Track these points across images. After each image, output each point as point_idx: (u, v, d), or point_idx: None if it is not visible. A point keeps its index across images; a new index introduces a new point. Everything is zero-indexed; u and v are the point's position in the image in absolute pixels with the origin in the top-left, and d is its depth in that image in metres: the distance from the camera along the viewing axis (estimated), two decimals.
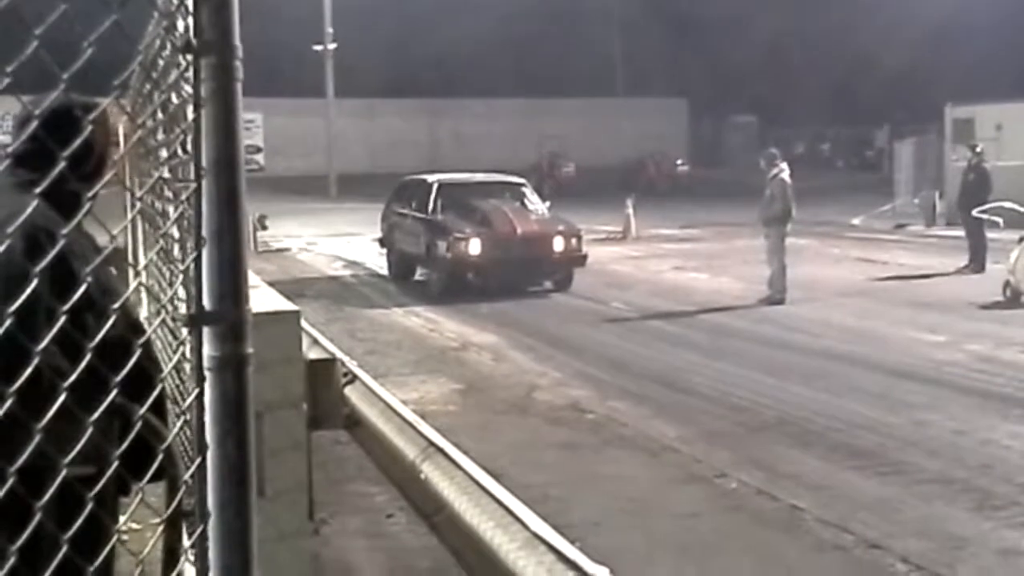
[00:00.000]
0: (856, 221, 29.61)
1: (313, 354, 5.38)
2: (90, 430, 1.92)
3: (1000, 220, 18.54)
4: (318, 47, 46.38)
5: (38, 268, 2.02)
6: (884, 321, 14.12)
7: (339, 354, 6.17)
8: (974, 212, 18.73)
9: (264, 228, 24.19)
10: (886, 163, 41.54)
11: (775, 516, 7.03)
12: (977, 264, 18.56)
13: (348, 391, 5.69)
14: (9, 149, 3.03)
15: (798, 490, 7.43)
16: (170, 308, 3.15)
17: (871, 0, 50.25)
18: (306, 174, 47.15)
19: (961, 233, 19.94)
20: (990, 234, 18.87)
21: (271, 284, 5.65)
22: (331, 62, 46.30)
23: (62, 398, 1.87)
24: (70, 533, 1.91)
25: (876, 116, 52.38)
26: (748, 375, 11.05)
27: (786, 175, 15.99)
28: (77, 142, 2.18)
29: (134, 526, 3.13)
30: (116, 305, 2.26)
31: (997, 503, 7.19)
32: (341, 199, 41.34)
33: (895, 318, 14.33)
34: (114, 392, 1.97)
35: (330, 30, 45.88)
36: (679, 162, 50.19)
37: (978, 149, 19.86)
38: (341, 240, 26.38)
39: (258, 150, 48.30)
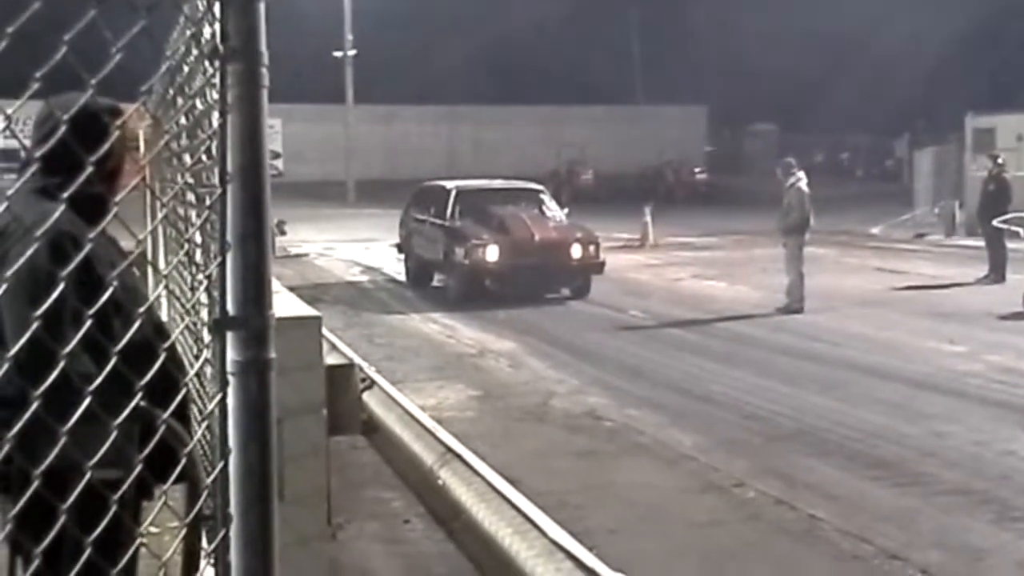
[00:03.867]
0: (875, 230, 29.49)
1: (331, 359, 5.40)
2: (114, 434, 1.93)
3: (1020, 230, 18.44)
4: (338, 53, 46.54)
5: (64, 273, 2.03)
6: (903, 331, 14.05)
7: (357, 360, 6.19)
8: (994, 222, 18.64)
9: (282, 233, 24.23)
10: (906, 172, 41.40)
11: (793, 526, 7.00)
12: (997, 274, 18.47)
13: (366, 397, 5.71)
14: (28, 154, 3.02)
15: (816, 500, 7.40)
16: (192, 312, 3.17)
17: (892, 9, 50.11)
18: (324, 180, 47.31)
19: (981, 243, 19.84)
20: (1010, 244, 18.78)
21: (289, 289, 5.67)
22: (351, 68, 46.43)
23: (87, 402, 1.88)
24: (93, 536, 1.92)
25: (896, 125, 52.20)
26: (766, 384, 11.01)
27: (803, 184, 15.94)
28: (104, 147, 2.19)
29: (152, 530, 3.14)
30: (142, 309, 2.27)
31: (1017, 514, 7.14)
32: (359, 205, 41.44)
33: (914, 328, 14.27)
34: (139, 395, 1.98)
35: (350, 36, 46.02)
36: (697, 170, 50.07)
37: (999, 159, 19.78)
38: (359, 246, 26.42)
39: (277, 156, 48.41)
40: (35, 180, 2.83)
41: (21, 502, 1.88)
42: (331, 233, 29.30)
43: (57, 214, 2.04)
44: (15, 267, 2.32)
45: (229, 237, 1.83)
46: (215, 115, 1.94)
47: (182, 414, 2.79)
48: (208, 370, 2.76)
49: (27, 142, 2.99)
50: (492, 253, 16.78)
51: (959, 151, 30.86)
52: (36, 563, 1.89)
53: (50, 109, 2.95)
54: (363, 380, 5.57)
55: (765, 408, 10.01)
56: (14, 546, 2.76)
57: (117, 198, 2.39)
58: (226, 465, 1.85)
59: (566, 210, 19.41)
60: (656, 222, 26.55)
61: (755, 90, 55.58)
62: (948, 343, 13.10)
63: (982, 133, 28.82)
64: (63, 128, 2.45)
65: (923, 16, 47.10)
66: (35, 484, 1.79)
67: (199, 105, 2.82)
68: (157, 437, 2.22)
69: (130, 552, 2.28)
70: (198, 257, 3.20)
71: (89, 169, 1.93)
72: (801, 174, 16.07)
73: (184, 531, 2.63)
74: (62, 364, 1.87)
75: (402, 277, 20.16)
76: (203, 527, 2.71)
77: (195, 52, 2.73)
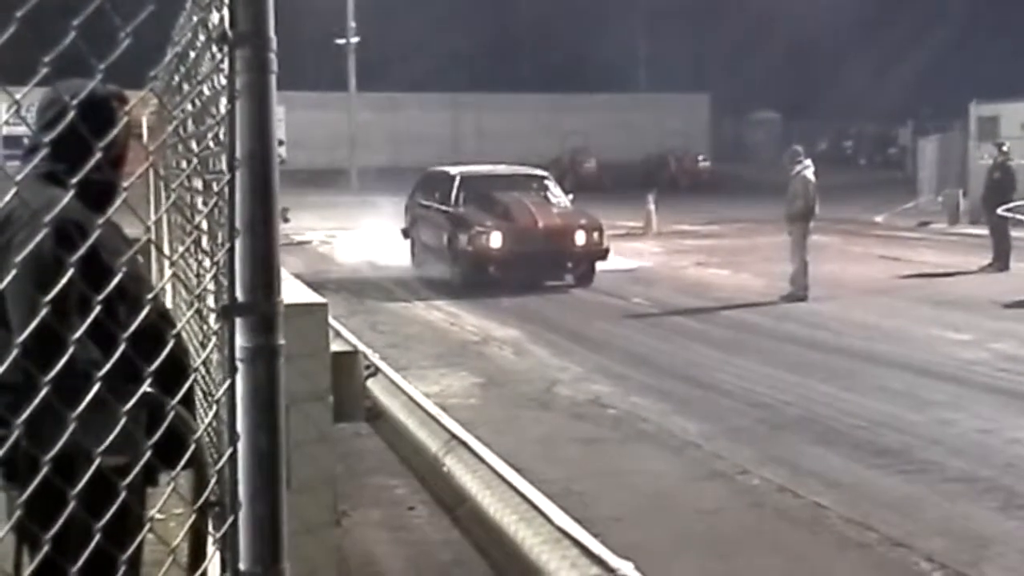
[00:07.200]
0: (879, 219, 29.44)
1: (335, 347, 5.37)
2: (123, 420, 1.93)
3: None
4: (341, 41, 46.44)
5: (70, 260, 2.02)
6: (907, 319, 14.04)
7: (361, 347, 6.18)
8: (999, 210, 18.63)
9: (286, 221, 24.20)
10: (909, 161, 41.30)
11: (798, 513, 7.01)
12: (1001, 263, 18.45)
13: (370, 384, 5.70)
14: (32, 139, 3.00)
15: (821, 487, 7.40)
16: (199, 299, 3.16)
17: None
18: (328, 167, 47.19)
19: (985, 231, 19.82)
20: (1014, 233, 18.75)
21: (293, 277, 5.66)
22: (354, 56, 46.34)
23: (95, 388, 1.88)
24: (101, 523, 1.92)
25: (899, 113, 52.08)
26: (770, 372, 11.01)
27: (809, 172, 15.93)
28: (112, 132, 2.19)
29: (158, 516, 3.13)
30: (150, 296, 2.26)
31: (1022, 502, 7.14)
32: (363, 192, 41.36)
33: (919, 316, 14.25)
34: (147, 382, 1.98)
35: (353, 24, 45.93)
36: (701, 158, 50.02)
37: (1004, 147, 19.76)
38: (362, 233, 26.37)
39: (280, 143, 47.92)
40: (41, 166, 2.82)
41: (29, 489, 1.88)
42: (334, 220, 29.25)
43: (64, 201, 2.03)
44: (22, 255, 2.31)
45: (238, 223, 1.82)
46: (223, 101, 1.93)
47: (186, 399, 2.78)
48: (215, 356, 2.76)
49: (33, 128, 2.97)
50: (496, 240, 16.74)
51: (963, 139, 30.80)
52: (44, 550, 1.88)
53: (56, 94, 2.93)
54: (367, 367, 5.56)
55: (770, 396, 10.01)
56: (20, 533, 2.76)
57: (125, 184, 2.38)
58: (234, 451, 1.85)
59: (571, 196, 19.35)
60: (659, 210, 26.52)
61: (758, 78, 55.45)
62: (953, 331, 13.10)
63: (986, 121, 28.76)
64: (71, 113, 2.44)
65: (927, 2, 46.94)
66: (43, 471, 1.79)
67: (206, 91, 2.81)
68: (165, 423, 2.22)
69: (138, 539, 2.28)
70: (205, 244, 3.20)
71: (97, 155, 1.93)
72: (808, 162, 16.08)
73: (192, 517, 2.63)
74: (69, 351, 1.87)
75: (406, 264, 20.14)
76: (210, 513, 2.70)
77: (202, 38, 2.72)
